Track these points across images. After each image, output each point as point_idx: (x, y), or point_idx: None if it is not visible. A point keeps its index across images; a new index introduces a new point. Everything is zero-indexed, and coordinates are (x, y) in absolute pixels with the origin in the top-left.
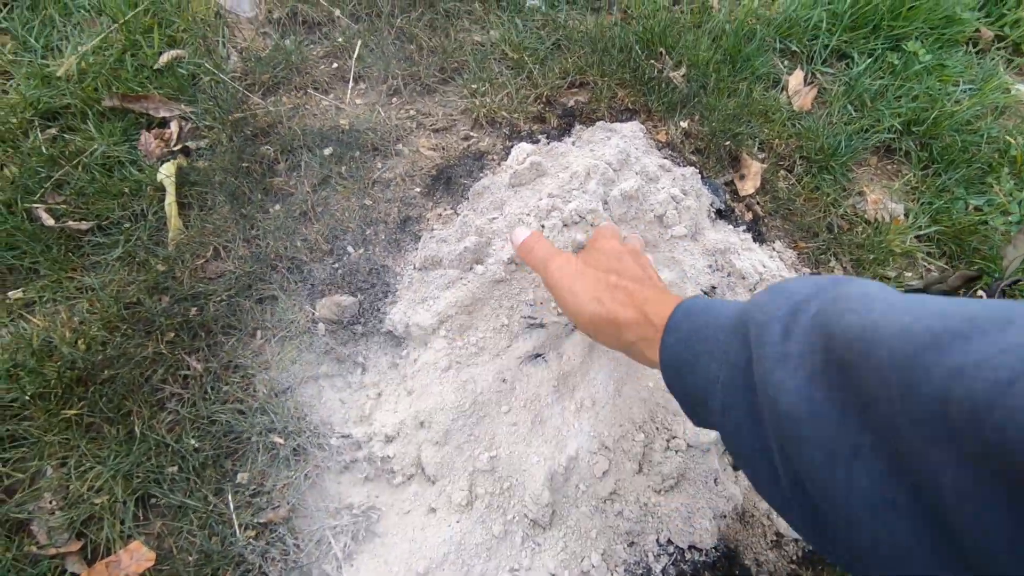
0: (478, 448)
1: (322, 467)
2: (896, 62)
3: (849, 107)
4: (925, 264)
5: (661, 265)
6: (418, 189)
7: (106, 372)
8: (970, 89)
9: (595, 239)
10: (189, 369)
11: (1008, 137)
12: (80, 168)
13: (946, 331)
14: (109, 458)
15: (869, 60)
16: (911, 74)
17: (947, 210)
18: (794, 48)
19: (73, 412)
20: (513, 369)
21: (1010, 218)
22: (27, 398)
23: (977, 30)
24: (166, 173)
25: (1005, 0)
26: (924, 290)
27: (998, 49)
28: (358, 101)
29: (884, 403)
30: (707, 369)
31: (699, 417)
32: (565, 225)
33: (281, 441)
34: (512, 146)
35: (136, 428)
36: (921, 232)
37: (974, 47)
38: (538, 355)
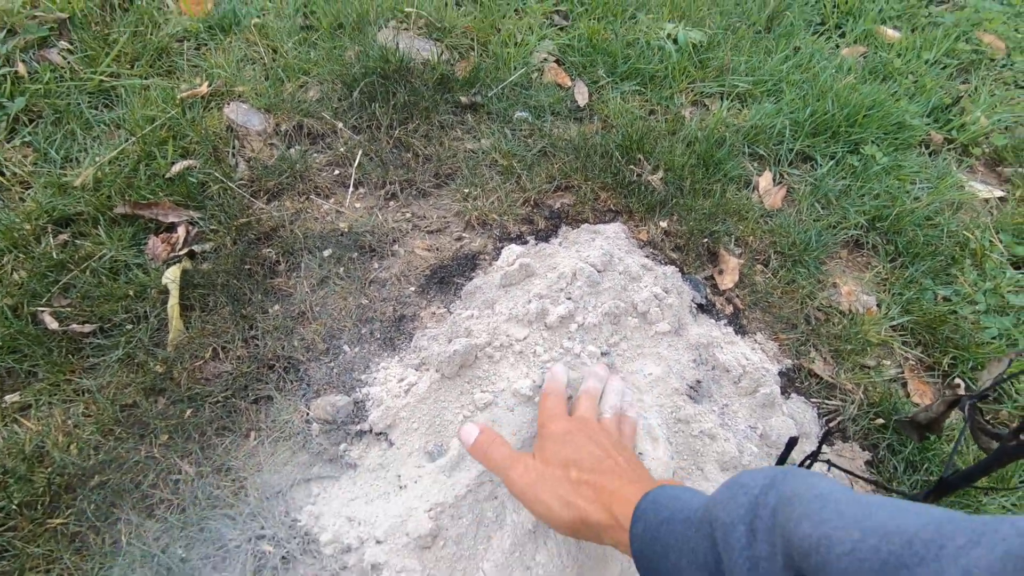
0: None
1: None
2: (856, 164)
3: (816, 205)
4: (902, 353)
5: (648, 360)
6: (413, 288)
7: (96, 478)
8: (927, 187)
9: (542, 421)
10: (180, 473)
11: (966, 231)
12: (88, 272)
13: (891, 555)
14: (93, 571)
15: (831, 162)
16: (871, 174)
17: (917, 300)
18: (761, 152)
19: (59, 521)
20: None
21: (977, 307)
22: (14, 507)
23: (928, 134)
24: (171, 276)
25: (950, 108)
26: (911, 422)
27: (949, 150)
28: (357, 205)
29: None
30: (677, 564)
31: None
32: (549, 328)
33: (270, 549)
34: (503, 247)
35: (122, 538)
36: (895, 322)
37: (927, 149)
38: None
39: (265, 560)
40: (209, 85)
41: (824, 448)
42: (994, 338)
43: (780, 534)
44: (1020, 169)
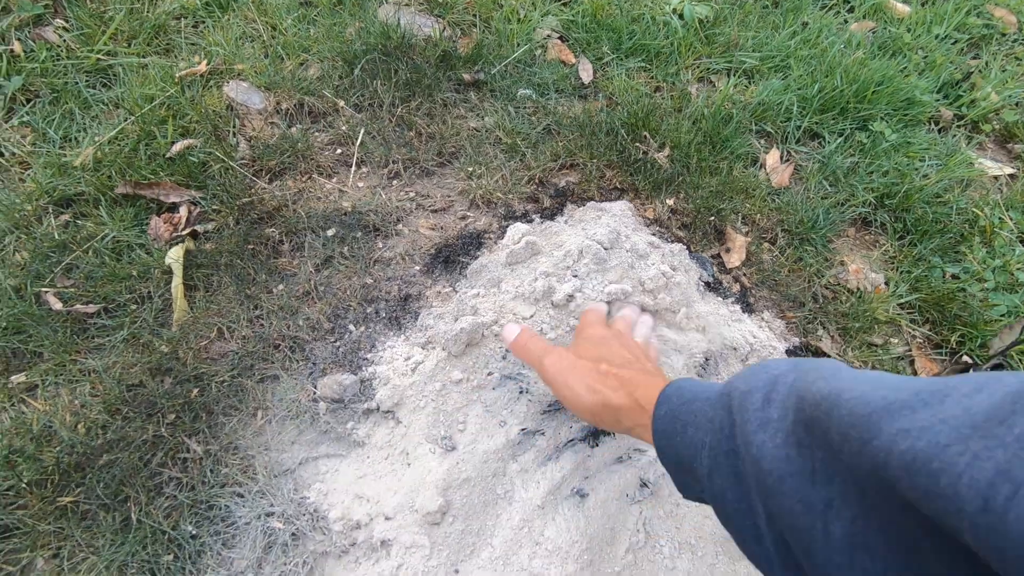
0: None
1: (321, 552)
2: (865, 141)
3: (824, 183)
4: (910, 331)
5: (654, 338)
6: (418, 267)
7: (105, 456)
8: (936, 164)
9: (582, 327)
10: (189, 452)
11: (975, 209)
12: (90, 252)
13: (896, 400)
14: (103, 548)
15: (839, 139)
16: (879, 151)
17: (925, 278)
18: (769, 129)
19: (69, 500)
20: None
21: (986, 284)
22: (23, 485)
23: (937, 110)
24: (174, 257)
25: (960, 84)
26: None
27: (958, 127)
28: (360, 184)
29: (845, 455)
30: (694, 437)
31: (687, 486)
32: (555, 306)
33: (280, 526)
34: (508, 225)
35: (132, 515)
36: (903, 300)
37: (936, 125)
38: (531, 431)
39: (275, 537)
40: (208, 63)
41: None
42: (1003, 315)
43: (795, 396)
44: None
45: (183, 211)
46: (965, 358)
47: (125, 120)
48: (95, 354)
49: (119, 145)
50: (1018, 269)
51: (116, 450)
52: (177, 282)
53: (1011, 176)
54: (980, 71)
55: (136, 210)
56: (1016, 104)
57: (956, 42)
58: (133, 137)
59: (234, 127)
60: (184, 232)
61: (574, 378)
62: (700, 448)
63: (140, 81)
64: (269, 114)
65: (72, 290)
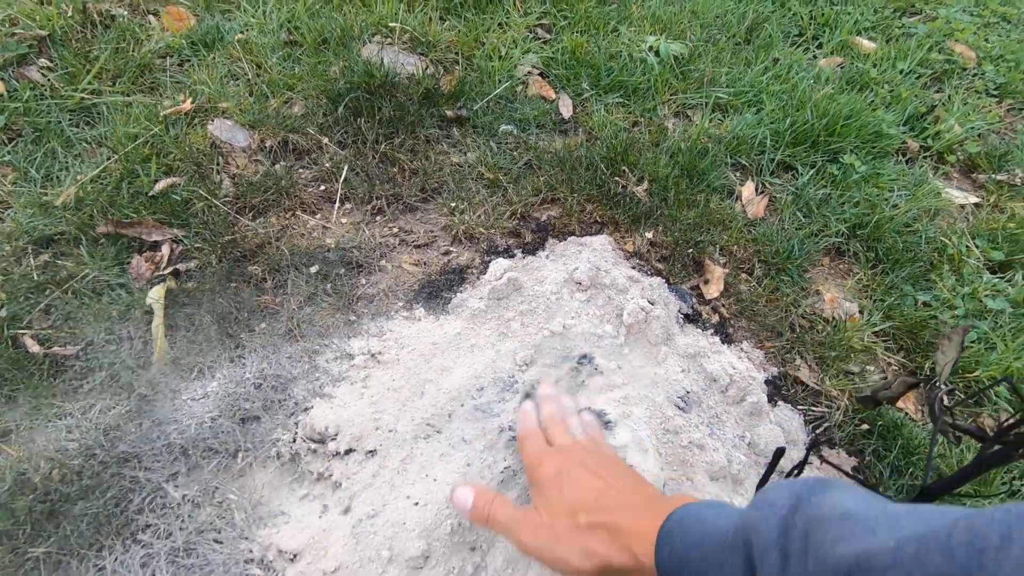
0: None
1: None
2: (836, 172)
3: (798, 214)
4: (885, 358)
5: (636, 372)
6: (400, 303)
7: (80, 504)
8: (904, 195)
9: (530, 468)
10: (166, 497)
11: (943, 238)
12: (70, 293)
13: (937, 570)
14: None
15: (812, 171)
16: (850, 183)
17: (898, 306)
18: (744, 162)
19: (41, 550)
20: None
21: (956, 312)
22: None
23: (904, 142)
24: (155, 296)
25: (924, 116)
26: (871, 398)
27: (925, 158)
28: (343, 220)
29: None
30: None
31: None
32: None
33: (260, 573)
34: (490, 260)
35: (108, 565)
36: (877, 328)
37: (904, 157)
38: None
39: None
40: (193, 101)
41: (810, 458)
42: (973, 342)
43: (814, 558)
44: (993, 176)
45: (165, 249)
46: (915, 366)
47: (108, 159)
48: (72, 397)
49: (101, 184)
50: (986, 296)
51: (92, 497)
52: (158, 322)
53: (976, 205)
54: (943, 104)
55: (117, 249)
56: (978, 136)
57: (920, 76)
58: (116, 175)
59: (218, 165)
60: (166, 271)
61: (560, 547)
62: None
63: (124, 119)
64: (253, 151)
65: (50, 331)
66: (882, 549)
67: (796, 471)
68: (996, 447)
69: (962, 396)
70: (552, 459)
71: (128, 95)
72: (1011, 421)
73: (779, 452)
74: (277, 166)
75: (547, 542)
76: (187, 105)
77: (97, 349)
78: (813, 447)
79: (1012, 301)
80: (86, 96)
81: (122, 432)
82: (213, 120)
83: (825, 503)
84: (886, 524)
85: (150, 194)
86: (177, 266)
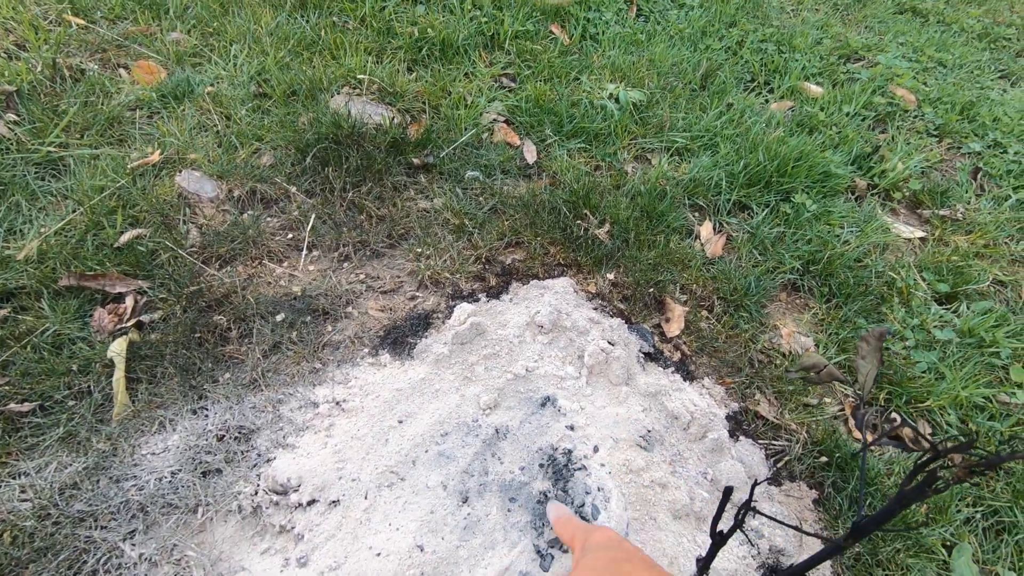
0: None
1: None
2: (789, 211)
3: (754, 252)
4: (842, 391)
5: (597, 414)
6: (367, 349)
7: (31, 567)
8: (854, 231)
9: (582, 537)
10: (123, 556)
11: (892, 272)
12: (28, 348)
13: None
14: None
15: (766, 210)
16: (802, 221)
17: (852, 339)
18: (701, 203)
19: None
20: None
21: (907, 343)
22: None
23: (852, 181)
24: (116, 350)
25: (871, 156)
26: (803, 374)
27: (873, 195)
28: (311, 268)
29: None
30: None
31: None
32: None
33: None
34: (455, 305)
35: None
36: (833, 361)
37: (853, 194)
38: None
39: None
40: (161, 153)
41: (767, 488)
42: (924, 372)
43: None
44: (936, 211)
45: (129, 301)
46: (894, 414)
47: (73, 211)
48: (28, 455)
49: (65, 236)
50: (934, 327)
51: (44, 559)
52: (119, 375)
53: (922, 239)
54: (888, 144)
55: (80, 302)
56: (921, 173)
57: (864, 119)
58: (81, 228)
59: (185, 215)
60: (129, 323)
61: None
62: None
63: (91, 172)
64: (221, 201)
65: (6, 388)
66: None
67: (742, 511)
68: (912, 484)
69: (895, 420)
70: (597, 533)
71: (96, 148)
72: (923, 460)
73: (728, 491)
74: (244, 215)
75: None
76: (155, 157)
77: (55, 405)
78: (755, 488)
79: (959, 332)
80: (53, 149)
81: (78, 490)
82: (181, 171)
83: None
84: None
85: (115, 246)
86: (141, 318)
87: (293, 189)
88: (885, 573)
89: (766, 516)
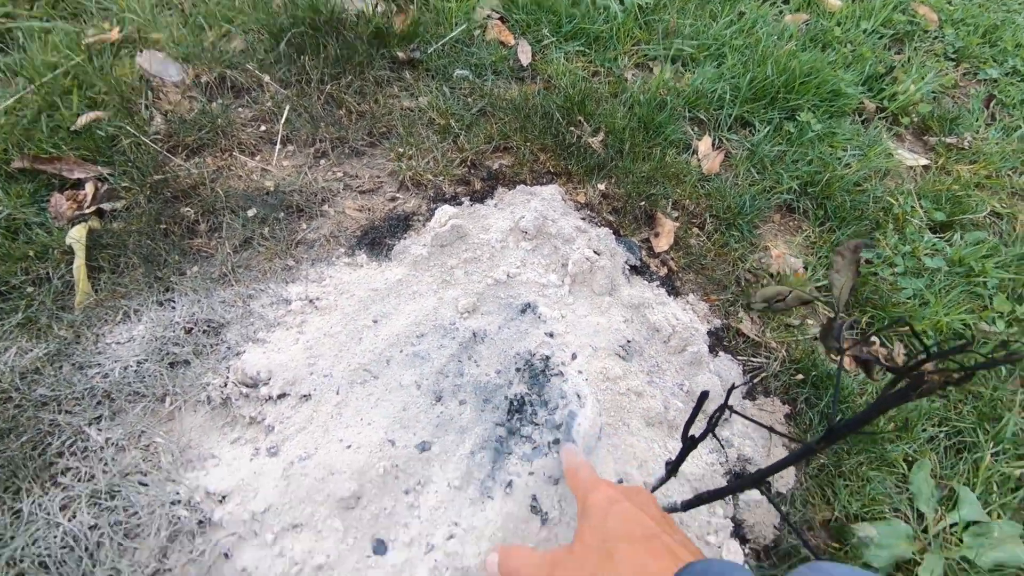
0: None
1: (228, 540)
2: (792, 130)
3: (752, 170)
4: (825, 312)
5: (579, 321)
6: (343, 249)
7: None
8: (857, 154)
9: (583, 495)
10: (88, 440)
11: (890, 197)
12: None
13: None
14: None
15: (769, 128)
16: (805, 141)
17: None
18: (702, 117)
19: None
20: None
21: (896, 269)
22: None
23: (861, 102)
24: (76, 236)
25: (883, 77)
26: (766, 304)
27: (880, 119)
28: (285, 163)
29: None
30: None
31: None
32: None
33: (186, 514)
34: (437, 208)
35: (24, 507)
36: (820, 283)
37: (860, 117)
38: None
39: (181, 525)
40: (120, 31)
41: (741, 402)
42: (909, 298)
43: None
44: (943, 139)
45: (89, 188)
46: (873, 338)
47: (25, 89)
48: None
49: (17, 116)
50: (925, 255)
51: (6, 440)
52: (79, 263)
53: (924, 167)
54: (902, 66)
55: (35, 186)
56: (933, 98)
57: (882, 37)
58: (33, 108)
59: (148, 100)
60: (89, 210)
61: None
62: None
63: (43, 47)
64: (187, 87)
65: None
66: None
67: (717, 415)
68: (895, 388)
69: (874, 329)
70: (607, 488)
71: (47, 20)
72: (910, 363)
73: (703, 395)
74: (214, 104)
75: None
76: (114, 34)
77: (12, 290)
78: (731, 391)
79: (949, 260)
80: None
81: (40, 375)
82: (142, 52)
83: None
84: None
85: (72, 129)
86: (101, 205)
87: (266, 78)
88: (846, 483)
89: (740, 414)
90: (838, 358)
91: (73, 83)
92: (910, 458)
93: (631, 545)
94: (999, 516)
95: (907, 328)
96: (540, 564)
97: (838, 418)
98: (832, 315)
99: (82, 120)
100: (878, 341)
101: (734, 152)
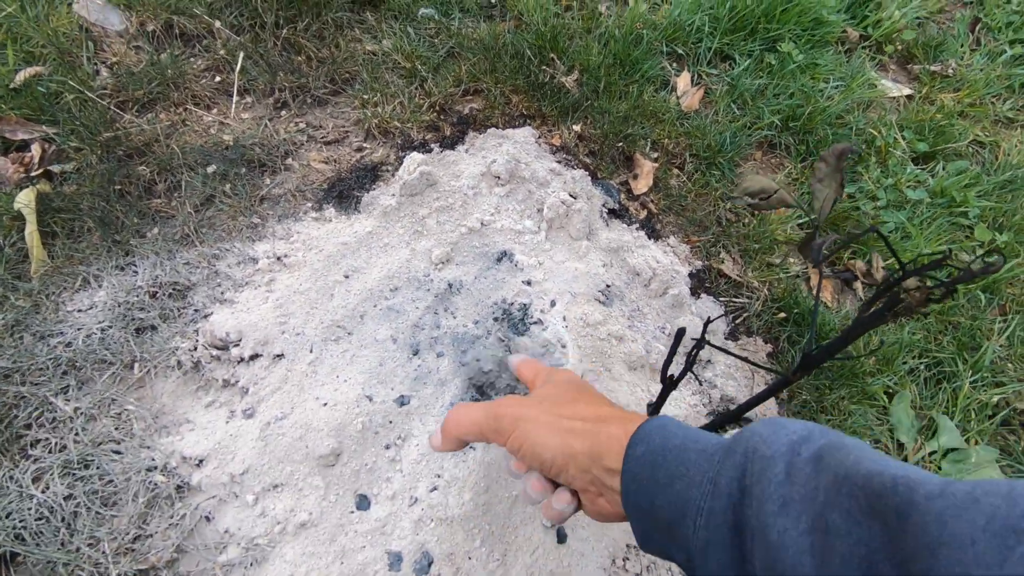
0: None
1: (209, 503)
2: (773, 62)
3: (733, 106)
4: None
5: (556, 266)
6: (309, 204)
7: None
8: (840, 85)
9: (532, 380)
10: (56, 411)
11: (872, 129)
12: None
13: (997, 511)
14: None
15: (749, 60)
16: (787, 73)
17: None
18: (680, 51)
19: None
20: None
21: (878, 203)
22: None
23: (844, 31)
24: (24, 201)
25: (867, 3)
26: (750, 199)
27: (863, 48)
28: (243, 116)
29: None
30: (684, 494)
31: (653, 541)
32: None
33: (163, 479)
34: (405, 156)
35: None
36: (801, 220)
37: (842, 46)
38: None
39: (159, 491)
40: None
41: (723, 342)
42: (891, 232)
43: (830, 475)
44: (928, 67)
45: (35, 149)
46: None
47: None
48: None
49: None
50: (908, 187)
51: None
52: (31, 229)
53: (908, 97)
54: None
55: None
56: (918, 25)
57: None
58: None
59: (89, 52)
60: (37, 173)
61: (544, 434)
62: (691, 510)
63: None
64: (132, 36)
65: None
66: (926, 479)
67: (695, 351)
68: (872, 308)
69: (839, 243)
70: (560, 372)
71: None
72: (888, 281)
73: (680, 332)
74: (162, 54)
75: (536, 425)
76: None
77: None
78: (708, 324)
79: (931, 192)
80: None
81: (0, 348)
82: None
83: (843, 438)
84: (919, 469)
85: (10, 87)
86: (50, 167)
87: (217, 23)
88: (828, 418)
89: (716, 347)
90: (817, 275)
91: (7, 36)
92: (890, 390)
93: (592, 395)
94: (976, 442)
95: (880, 241)
96: (485, 407)
97: (813, 348)
98: (811, 228)
99: (20, 76)
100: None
101: (714, 88)
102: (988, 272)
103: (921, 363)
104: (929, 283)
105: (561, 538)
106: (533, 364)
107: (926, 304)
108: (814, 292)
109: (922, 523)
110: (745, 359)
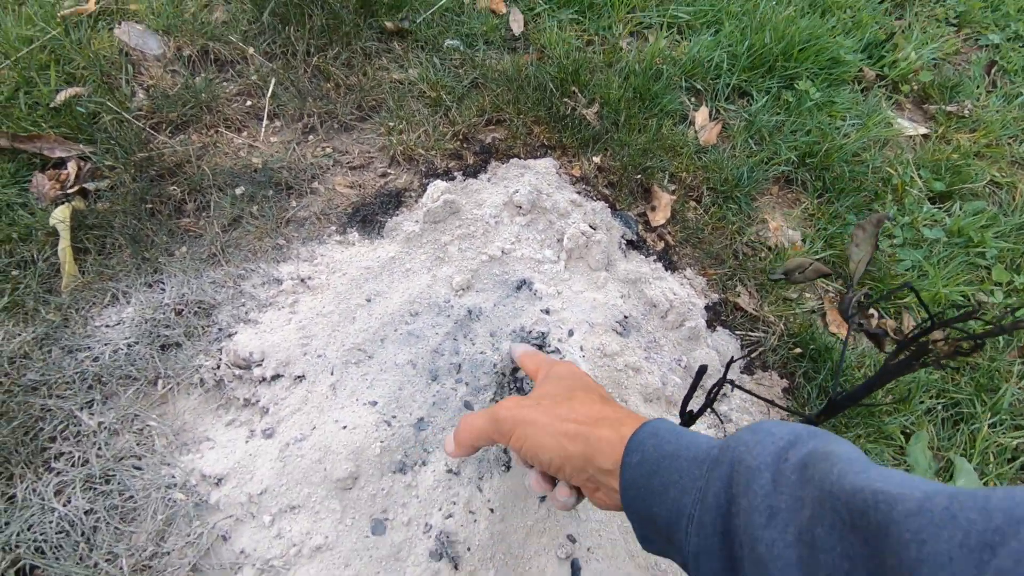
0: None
1: (226, 522)
2: (791, 99)
3: (750, 141)
4: (823, 286)
5: (575, 297)
6: (334, 227)
7: None
8: (856, 123)
9: (536, 371)
10: (81, 425)
11: (889, 168)
12: None
13: (972, 526)
14: None
15: (767, 97)
16: (804, 110)
17: (840, 235)
18: (699, 87)
19: None
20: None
21: (894, 241)
22: None
23: (861, 70)
24: (59, 217)
25: (883, 44)
26: (786, 276)
27: (880, 87)
28: (272, 139)
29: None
30: (677, 500)
31: (652, 543)
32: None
33: (183, 497)
34: (429, 183)
35: (18, 493)
36: (818, 256)
37: (859, 85)
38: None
39: (177, 508)
40: (97, 2)
41: (739, 376)
42: (907, 270)
43: (814, 487)
44: (943, 107)
45: (71, 167)
46: (872, 310)
47: (0, 65)
48: None
49: None
50: (924, 225)
51: None
52: (64, 244)
53: (924, 136)
54: (903, 32)
55: (16, 166)
56: (934, 65)
57: (882, 2)
58: (10, 84)
59: (128, 74)
60: (72, 190)
61: (542, 435)
62: (684, 518)
63: (16, 20)
64: (169, 61)
65: None
66: (906, 495)
67: (716, 389)
68: (899, 357)
69: (874, 298)
70: (560, 365)
71: None
72: (915, 332)
73: (702, 369)
74: (197, 78)
75: (534, 427)
76: (90, 5)
77: None
78: (730, 365)
79: (948, 231)
80: None
81: (29, 360)
82: (121, 24)
83: (829, 443)
84: (902, 478)
85: (51, 106)
86: (85, 185)
87: (251, 50)
88: None
89: (740, 388)
90: (846, 332)
91: (50, 58)
92: (907, 430)
93: (587, 392)
94: (995, 486)
95: (911, 296)
96: (487, 412)
97: (839, 391)
98: (847, 287)
99: (61, 96)
100: (876, 314)
101: (731, 123)
102: (1018, 327)
103: (939, 403)
104: (956, 335)
105: (575, 571)
106: (535, 356)
107: (954, 357)
108: (841, 341)
109: (901, 541)
110: (770, 401)
